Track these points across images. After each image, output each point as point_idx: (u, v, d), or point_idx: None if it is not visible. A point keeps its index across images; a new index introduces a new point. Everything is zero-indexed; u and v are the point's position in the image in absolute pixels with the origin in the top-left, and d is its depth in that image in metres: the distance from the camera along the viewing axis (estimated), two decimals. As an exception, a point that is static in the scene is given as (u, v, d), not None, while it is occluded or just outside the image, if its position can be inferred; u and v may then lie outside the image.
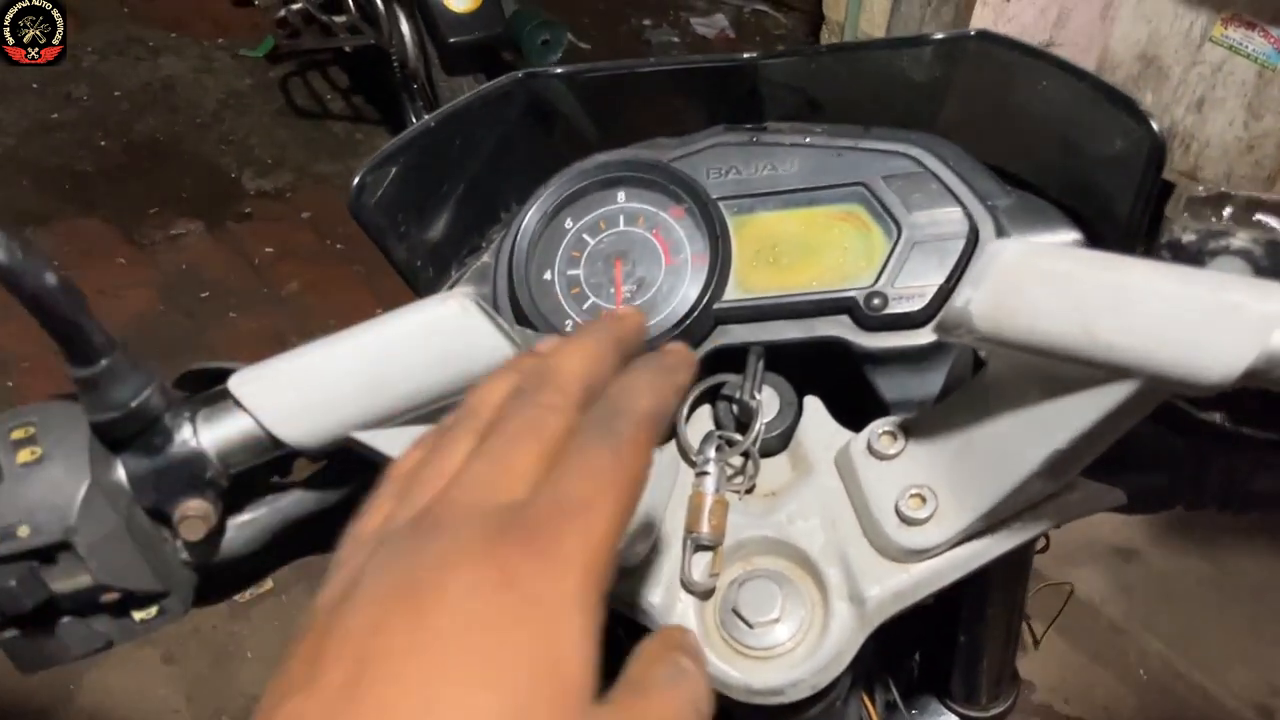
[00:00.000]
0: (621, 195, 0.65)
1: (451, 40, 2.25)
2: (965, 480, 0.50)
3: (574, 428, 0.32)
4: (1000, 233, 0.60)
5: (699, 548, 0.53)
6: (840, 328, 0.59)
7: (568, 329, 0.62)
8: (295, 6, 2.78)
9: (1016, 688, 0.78)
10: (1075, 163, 0.60)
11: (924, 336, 0.58)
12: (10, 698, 1.76)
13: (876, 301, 0.58)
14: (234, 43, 3.50)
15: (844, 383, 0.60)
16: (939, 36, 0.60)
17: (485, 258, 0.68)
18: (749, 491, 0.57)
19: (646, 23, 4.03)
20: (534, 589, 0.27)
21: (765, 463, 0.57)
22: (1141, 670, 2.01)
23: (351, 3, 2.65)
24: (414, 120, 2.72)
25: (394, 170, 0.61)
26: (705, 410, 0.59)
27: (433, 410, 0.48)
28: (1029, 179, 0.64)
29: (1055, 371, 0.44)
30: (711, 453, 0.55)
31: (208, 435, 0.46)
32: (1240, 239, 0.42)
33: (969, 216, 0.59)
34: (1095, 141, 0.57)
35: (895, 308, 0.58)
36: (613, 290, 0.63)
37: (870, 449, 0.53)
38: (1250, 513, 0.54)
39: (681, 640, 0.35)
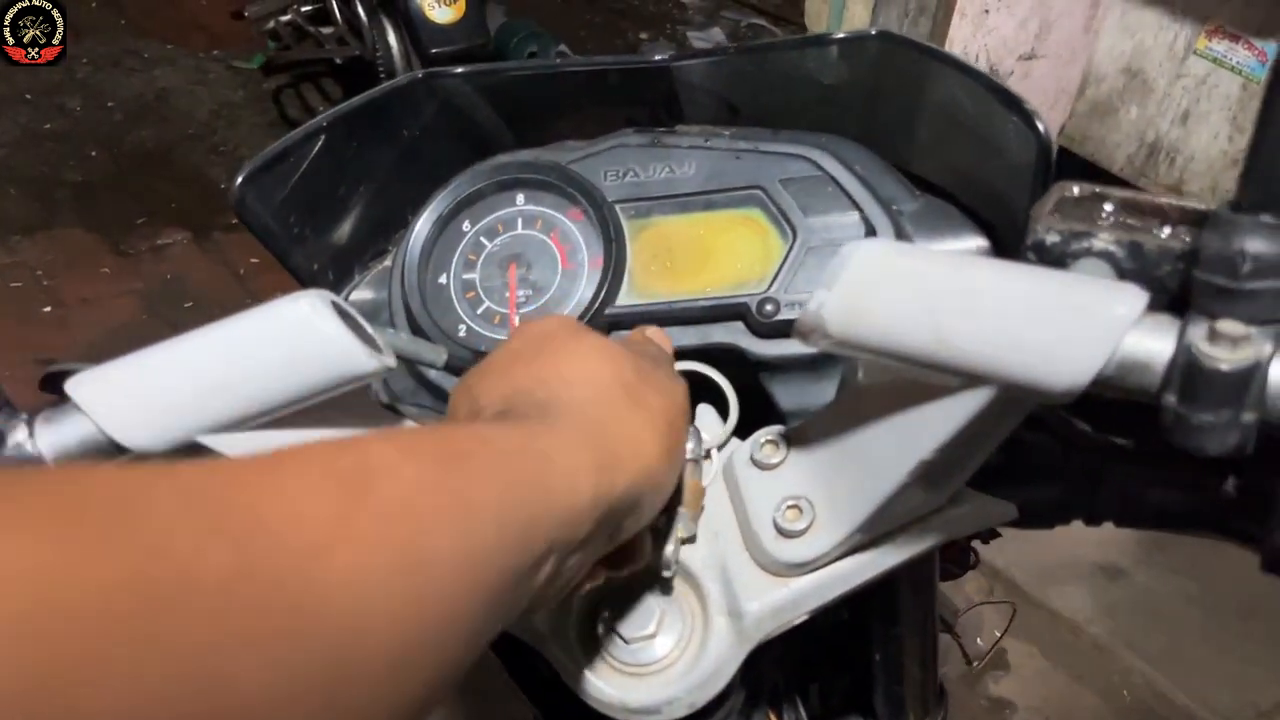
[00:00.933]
0: (520, 198, 0.63)
1: (433, 51, 2.24)
2: (841, 492, 0.48)
3: None
4: (899, 236, 0.58)
5: None
6: (734, 334, 0.58)
7: (460, 334, 0.61)
8: (285, 19, 2.79)
9: (944, 704, 0.76)
10: (980, 167, 0.59)
11: (818, 344, 0.56)
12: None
13: (769, 308, 0.56)
14: (229, 54, 3.51)
15: (744, 391, 0.59)
16: (840, 36, 0.58)
17: (387, 261, 0.67)
18: None
19: (643, 36, 4.03)
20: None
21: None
22: (1125, 691, 1.98)
23: (339, 15, 2.65)
24: (403, 132, 2.71)
25: (285, 171, 0.60)
26: None
27: (285, 414, 0.47)
28: (939, 183, 0.63)
29: (915, 378, 0.42)
30: None
31: (45, 439, 0.45)
32: (1103, 240, 0.40)
33: (866, 221, 0.57)
34: (996, 145, 0.55)
35: (787, 314, 0.56)
36: (507, 294, 0.61)
37: (753, 459, 0.51)
38: (1151, 528, 0.52)
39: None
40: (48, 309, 2.46)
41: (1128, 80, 2.13)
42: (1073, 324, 0.37)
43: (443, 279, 0.62)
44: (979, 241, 0.60)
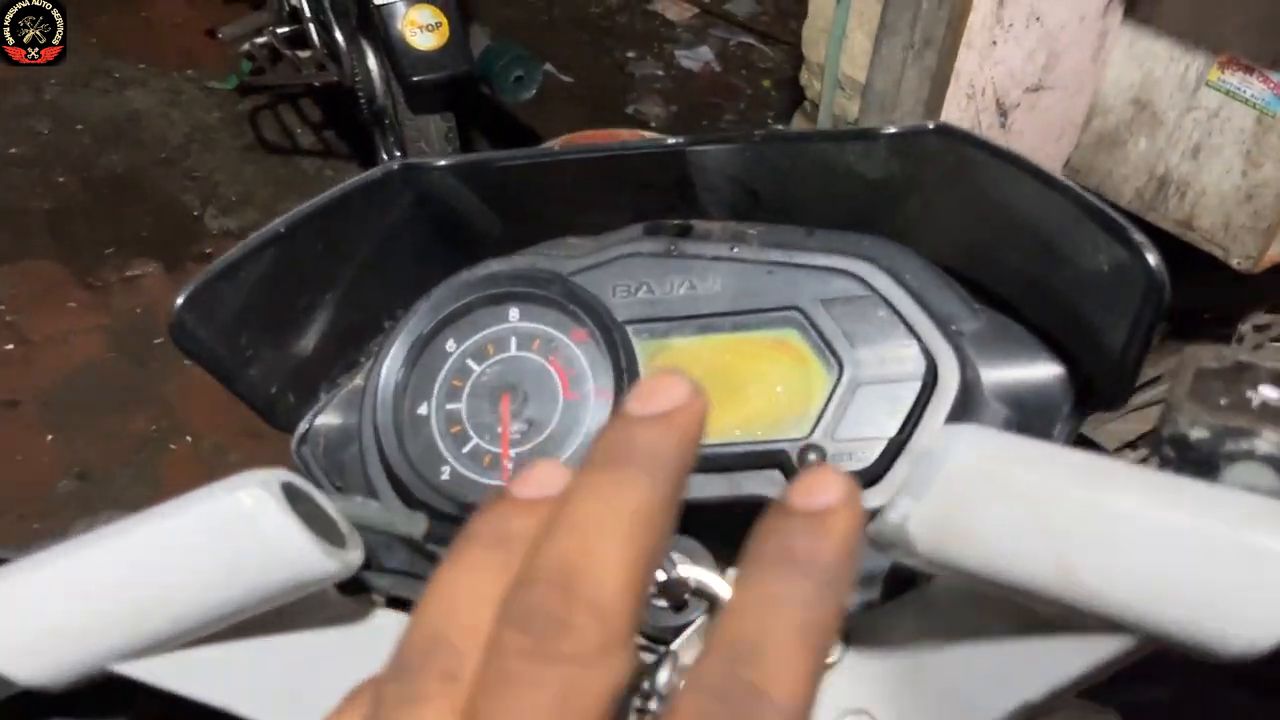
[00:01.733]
0: (514, 313, 0.54)
1: (415, 79, 2.14)
2: (915, 715, 0.39)
3: None
4: (964, 367, 0.49)
5: None
6: (770, 485, 0.49)
7: (444, 478, 0.51)
8: (260, 41, 2.68)
9: None
10: (1055, 281, 0.50)
11: (872, 499, 0.47)
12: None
13: (812, 457, 0.47)
14: (203, 74, 3.40)
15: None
16: (891, 130, 0.49)
17: (359, 379, 0.58)
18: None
19: (630, 55, 3.95)
20: None
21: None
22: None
23: (316, 38, 2.55)
24: (384, 158, 2.62)
25: (234, 287, 0.51)
26: None
27: (224, 629, 0.37)
28: (1002, 294, 0.54)
29: (1024, 605, 0.33)
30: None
31: (-83, 674, 0.35)
32: (1269, 440, 0.32)
33: (925, 353, 0.48)
34: (1077, 260, 0.47)
35: (834, 464, 0.47)
36: (499, 430, 0.52)
37: (800, 654, 0.42)
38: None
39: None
40: (10, 346, 2.34)
41: (1136, 112, 2.06)
42: (1251, 571, 0.28)
43: (423, 409, 0.53)
44: (1054, 369, 0.51)
